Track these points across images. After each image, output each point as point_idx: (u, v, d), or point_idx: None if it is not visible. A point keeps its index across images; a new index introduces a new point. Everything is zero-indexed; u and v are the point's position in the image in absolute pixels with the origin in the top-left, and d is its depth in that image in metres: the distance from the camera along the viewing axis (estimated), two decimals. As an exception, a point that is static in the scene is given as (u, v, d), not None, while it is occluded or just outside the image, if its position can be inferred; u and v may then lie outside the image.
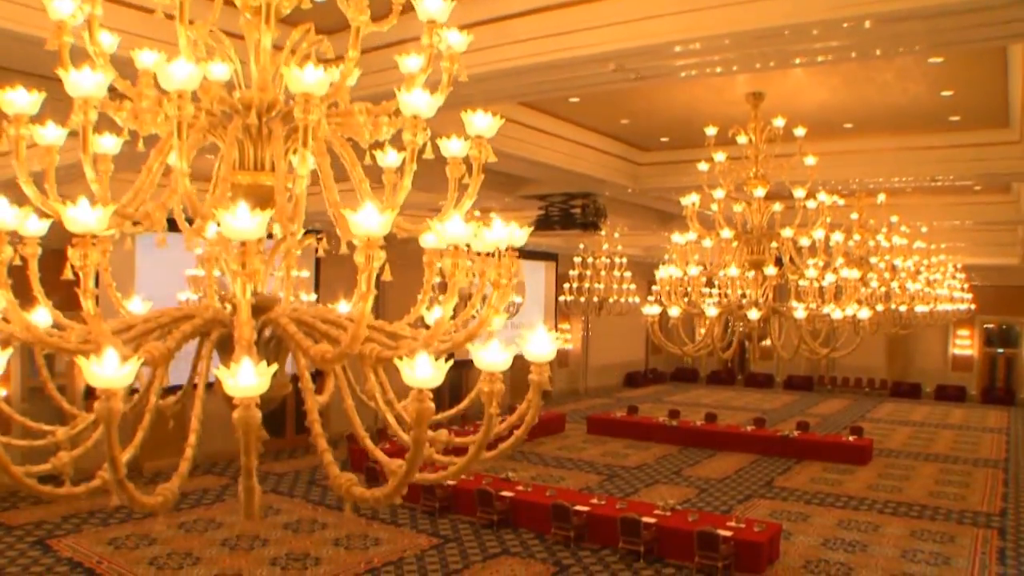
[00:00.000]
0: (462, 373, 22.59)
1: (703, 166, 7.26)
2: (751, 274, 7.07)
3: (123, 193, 2.52)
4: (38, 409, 12.01)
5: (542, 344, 2.35)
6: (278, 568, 10.11)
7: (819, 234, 6.50)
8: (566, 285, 17.84)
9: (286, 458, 16.63)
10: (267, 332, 2.68)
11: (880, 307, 10.82)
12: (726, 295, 6.57)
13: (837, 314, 6.40)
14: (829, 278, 7.05)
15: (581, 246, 18.35)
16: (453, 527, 12.07)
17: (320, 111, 2.22)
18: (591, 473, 15.87)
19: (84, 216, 1.95)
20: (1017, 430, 22.14)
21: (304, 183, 2.25)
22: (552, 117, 8.57)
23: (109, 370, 1.77)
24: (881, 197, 11.26)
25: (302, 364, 2.46)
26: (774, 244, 7.10)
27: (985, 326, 27.94)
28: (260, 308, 2.58)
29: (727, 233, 6.53)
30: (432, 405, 2.01)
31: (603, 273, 17.81)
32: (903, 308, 11.11)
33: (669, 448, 18.40)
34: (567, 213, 10.98)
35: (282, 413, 17.64)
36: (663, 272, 6.98)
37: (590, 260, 18.13)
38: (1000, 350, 27.92)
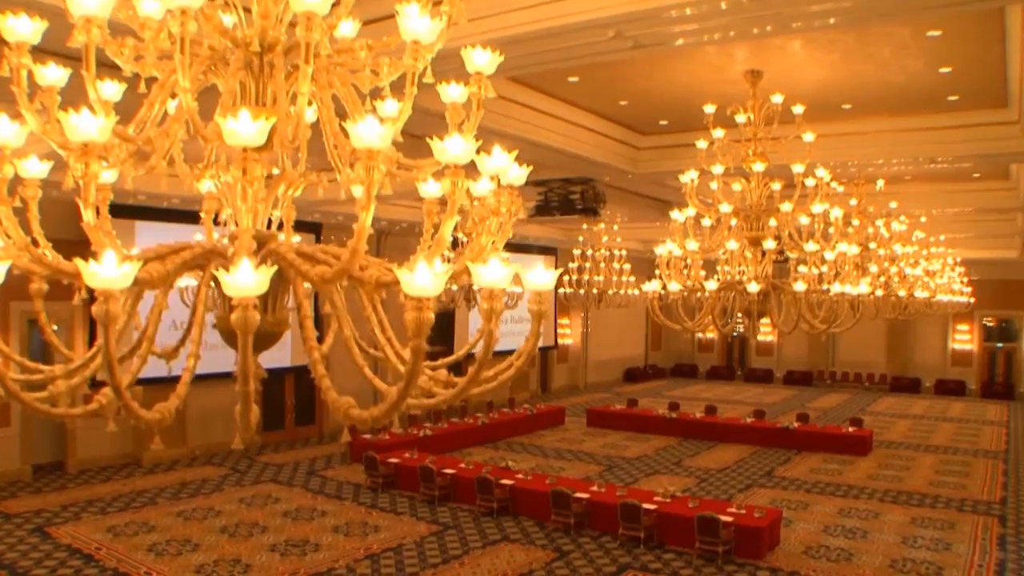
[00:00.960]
0: (462, 366, 22.57)
1: (702, 143, 7.26)
2: (749, 255, 7.07)
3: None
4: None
5: (541, 276, 2.39)
6: (277, 554, 10.08)
7: (818, 208, 6.50)
8: (565, 277, 17.84)
9: (285, 449, 16.61)
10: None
11: (880, 292, 10.82)
12: (726, 271, 6.57)
13: (836, 287, 6.40)
14: (828, 256, 7.05)
15: (580, 239, 18.35)
16: (452, 515, 12.05)
17: (322, 30, 2.21)
18: (591, 464, 15.85)
19: (86, 125, 1.95)
20: (1017, 423, 22.14)
21: (305, 101, 2.25)
22: (551, 97, 8.56)
23: (108, 271, 1.77)
24: (880, 183, 11.26)
25: (301, 292, 2.45)
26: (773, 222, 7.09)
27: (984, 321, 27.96)
28: (260, 241, 2.57)
29: (726, 207, 6.53)
30: (432, 315, 2.00)
31: (602, 265, 17.81)
32: (902, 293, 11.10)
33: (669, 440, 18.39)
34: (566, 199, 10.97)
35: (281, 406, 17.63)
36: (662, 249, 6.97)
37: (589, 252, 18.13)
38: (999, 344, 27.93)
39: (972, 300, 22.39)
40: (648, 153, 10.30)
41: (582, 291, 17.64)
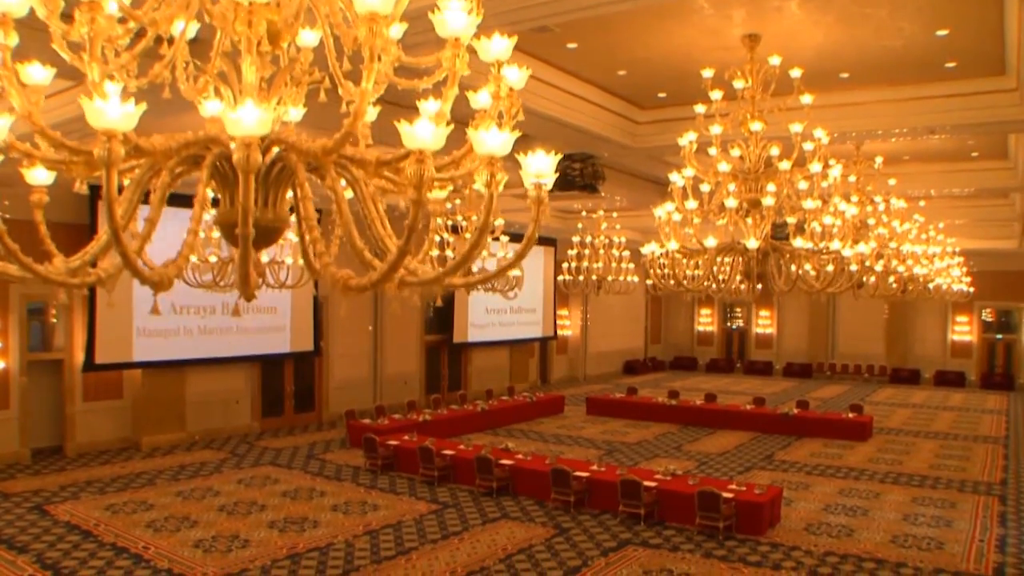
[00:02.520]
0: (461, 355, 22.56)
1: (700, 108, 7.24)
2: (750, 221, 7.06)
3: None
4: (37, 383, 12.12)
5: (541, 161, 2.38)
6: (276, 531, 10.05)
7: (816, 167, 6.49)
8: (565, 264, 17.82)
9: (284, 435, 16.57)
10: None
11: (880, 267, 10.81)
12: (728, 229, 6.56)
13: (836, 245, 6.38)
14: (828, 220, 7.04)
15: (580, 226, 18.35)
16: (452, 495, 12.02)
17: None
18: (591, 448, 15.82)
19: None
20: (1017, 411, 22.13)
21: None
22: (549, 66, 8.55)
23: (112, 111, 1.75)
24: (878, 161, 11.26)
25: (302, 175, 2.41)
26: (771, 187, 7.07)
27: (984, 312, 27.95)
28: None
29: (724, 167, 6.52)
30: (433, 170, 1.99)
31: (601, 252, 17.80)
32: (901, 269, 11.09)
33: (669, 427, 18.37)
34: (565, 175, 10.95)
35: (280, 393, 17.60)
36: (660, 211, 6.96)
37: (588, 239, 18.12)
38: (999, 336, 27.92)
39: (971, 289, 22.38)
40: (647, 127, 10.29)
41: (580, 278, 17.62)
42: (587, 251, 17.95)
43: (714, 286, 6.76)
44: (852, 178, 11.09)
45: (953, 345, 28.43)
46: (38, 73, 2.40)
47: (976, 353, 28.05)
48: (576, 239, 17.84)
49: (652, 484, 10.94)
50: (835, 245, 6.44)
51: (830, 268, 6.63)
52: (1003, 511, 11.65)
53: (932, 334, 28.63)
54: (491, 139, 2.08)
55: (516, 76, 2.56)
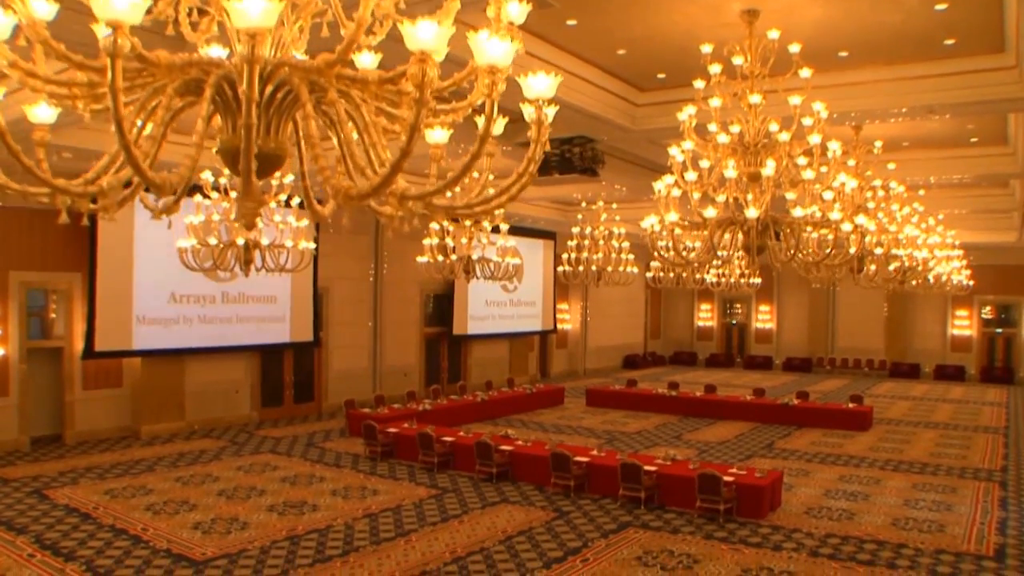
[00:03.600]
0: (461, 347, 22.54)
1: (699, 83, 7.23)
2: (750, 197, 7.04)
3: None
4: (36, 370, 12.11)
5: (542, 82, 2.38)
6: (275, 514, 10.03)
7: (816, 139, 6.48)
8: (564, 255, 17.80)
9: (284, 425, 16.55)
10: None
11: (879, 250, 10.80)
12: (728, 203, 6.54)
13: (835, 215, 6.37)
14: (828, 195, 7.03)
15: (579, 216, 18.34)
16: (452, 481, 12.00)
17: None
18: (590, 438, 15.80)
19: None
20: (1017, 404, 22.12)
21: None
22: (549, 44, 8.53)
23: (119, 1, 1.73)
24: (877, 145, 11.25)
25: (305, 96, 2.39)
26: (771, 162, 7.05)
27: (983, 306, 27.95)
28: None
29: (723, 138, 6.51)
30: (436, 72, 1.97)
31: (601, 243, 17.77)
32: (901, 252, 11.08)
33: (669, 417, 18.36)
34: (565, 158, 10.94)
35: (280, 383, 17.58)
36: (660, 184, 6.95)
37: (588, 231, 18.09)
38: (999, 330, 27.92)
39: (971, 282, 22.38)
40: (646, 110, 10.28)
41: (580, 268, 17.59)
42: (587, 242, 17.92)
43: (716, 262, 6.73)
44: (851, 162, 11.07)
45: (953, 339, 28.43)
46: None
47: (976, 347, 28.05)
48: (576, 230, 17.82)
49: (652, 468, 10.92)
50: (834, 215, 6.43)
51: (829, 237, 6.62)
52: (1004, 496, 11.64)
53: (932, 328, 28.64)
54: (492, 48, 2.07)
55: (517, 10, 2.55)
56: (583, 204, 18.67)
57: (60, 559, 8.23)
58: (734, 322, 32.29)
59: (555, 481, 11.35)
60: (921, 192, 15.02)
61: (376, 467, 12.83)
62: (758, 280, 21.40)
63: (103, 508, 10.10)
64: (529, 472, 11.89)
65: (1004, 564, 8.63)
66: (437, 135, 2.87)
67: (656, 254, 7.02)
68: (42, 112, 2.61)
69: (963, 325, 28.28)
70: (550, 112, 2.49)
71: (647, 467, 10.87)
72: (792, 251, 6.40)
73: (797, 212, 6.24)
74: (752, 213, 6.17)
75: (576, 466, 11.25)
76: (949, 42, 8.31)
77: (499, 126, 2.66)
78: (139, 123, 2.73)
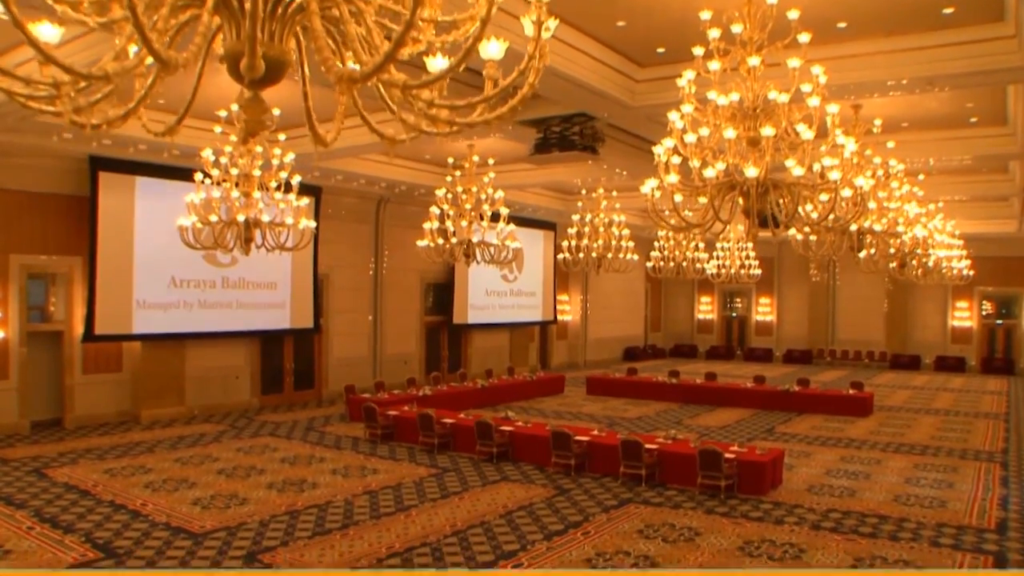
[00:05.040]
0: (462, 336, 22.51)
1: (698, 50, 7.20)
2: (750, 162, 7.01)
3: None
4: (36, 353, 12.12)
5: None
6: (275, 491, 10.00)
7: (814, 102, 6.46)
8: (565, 243, 17.78)
9: (284, 411, 16.53)
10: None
11: (879, 227, 10.78)
12: (729, 165, 6.51)
13: (835, 175, 6.36)
14: (828, 161, 7.00)
15: (580, 204, 18.32)
16: (452, 461, 11.98)
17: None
18: (591, 423, 15.72)
19: None
20: (1017, 393, 22.10)
21: None
22: (549, 15, 8.47)
23: None
24: (877, 123, 11.22)
25: (313, 6, 2.37)
26: (771, 129, 7.02)
27: (983, 298, 27.93)
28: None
29: (723, 100, 6.49)
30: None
31: (601, 230, 17.74)
32: (901, 229, 11.06)
33: (669, 405, 18.34)
34: (565, 136, 10.93)
35: (280, 370, 17.57)
36: (659, 148, 6.92)
37: (588, 218, 18.06)
38: (999, 321, 27.90)
39: (971, 272, 22.35)
40: (646, 86, 10.26)
41: (581, 255, 17.56)
42: (587, 229, 17.89)
43: (716, 215, 6.68)
44: (852, 142, 11.04)
45: (953, 331, 28.41)
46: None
47: (976, 338, 28.03)
48: (576, 217, 17.79)
49: (653, 447, 10.90)
50: (834, 175, 6.41)
51: (825, 198, 6.59)
52: (1005, 475, 11.61)
53: (932, 320, 28.62)
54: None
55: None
56: (583, 192, 18.66)
57: (59, 531, 8.21)
58: (734, 315, 32.28)
59: (556, 460, 11.33)
60: (920, 177, 14.99)
61: (376, 448, 12.81)
62: (758, 271, 21.39)
63: (102, 486, 10.08)
64: (530, 452, 11.87)
65: (1006, 536, 8.61)
66: (438, 62, 2.86)
67: (653, 215, 6.98)
68: (46, 31, 2.59)
69: (963, 317, 28.26)
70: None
71: (648, 445, 10.85)
72: (791, 212, 6.38)
73: (797, 172, 6.22)
74: (752, 172, 6.16)
75: (577, 445, 11.22)
76: (948, 11, 8.28)
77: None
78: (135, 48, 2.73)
